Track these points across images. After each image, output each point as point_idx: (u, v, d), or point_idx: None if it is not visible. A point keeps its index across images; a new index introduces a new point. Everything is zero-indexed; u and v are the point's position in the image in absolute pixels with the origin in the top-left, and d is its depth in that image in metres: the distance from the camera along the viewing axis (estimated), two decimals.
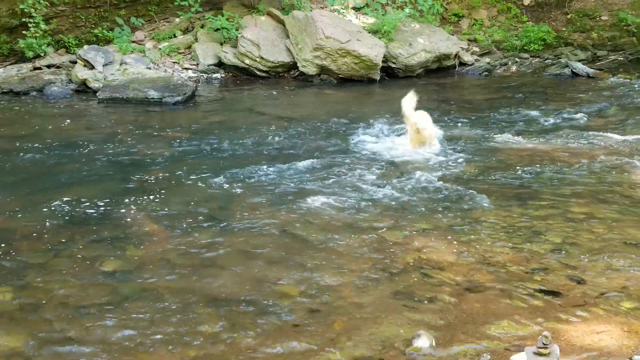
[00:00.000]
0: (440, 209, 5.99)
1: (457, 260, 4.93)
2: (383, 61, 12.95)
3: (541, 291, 4.41)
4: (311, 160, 7.53)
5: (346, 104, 11.15)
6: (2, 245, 5.14)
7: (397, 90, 10.83)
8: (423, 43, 13.57)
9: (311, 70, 12.81)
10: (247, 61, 13.00)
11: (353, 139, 8.49)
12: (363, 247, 5.20)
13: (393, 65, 13.34)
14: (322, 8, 15.11)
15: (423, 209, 6.01)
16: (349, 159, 7.60)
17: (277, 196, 6.37)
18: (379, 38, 13.34)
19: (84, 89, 11.60)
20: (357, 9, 15.40)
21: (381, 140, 8.44)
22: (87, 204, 6.08)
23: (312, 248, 5.21)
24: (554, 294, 4.38)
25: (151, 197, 6.31)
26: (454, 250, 5.11)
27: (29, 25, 12.70)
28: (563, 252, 5.03)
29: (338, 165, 7.37)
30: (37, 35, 12.75)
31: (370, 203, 6.16)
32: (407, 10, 14.55)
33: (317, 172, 7.09)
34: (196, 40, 13.91)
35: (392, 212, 5.93)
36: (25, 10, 12.67)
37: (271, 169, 7.17)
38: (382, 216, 5.83)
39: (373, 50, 12.73)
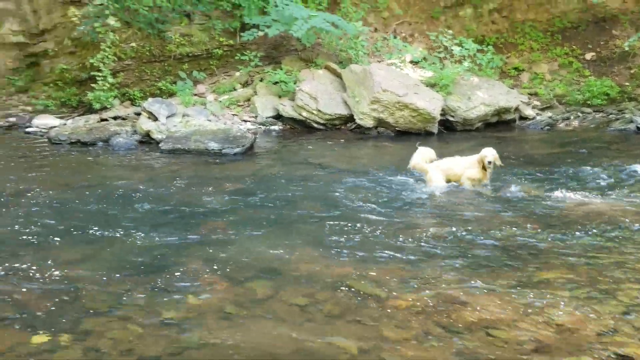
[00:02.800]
0: (502, 265, 5.82)
1: (522, 320, 4.74)
2: (441, 114, 12.92)
3: (616, 355, 4.18)
4: (369, 212, 7.48)
5: (403, 156, 11.05)
6: (67, 292, 5.23)
7: (454, 144, 10.77)
8: (482, 96, 13.51)
9: (368, 122, 12.87)
10: (305, 114, 13.17)
11: (411, 192, 8.42)
12: (424, 303, 5.07)
13: (451, 119, 13.29)
14: (380, 62, 15.28)
15: (485, 265, 5.85)
16: (407, 212, 7.53)
17: (336, 250, 6.31)
18: (437, 91, 13.35)
19: (147, 140, 11.93)
20: (414, 62, 15.51)
21: (440, 194, 8.34)
22: (149, 252, 6.17)
23: (371, 303, 5.11)
24: (625, 358, 4.15)
25: (210, 247, 6.35)
26: (518, 309, 4.92)
27: (97, 78, 13.26)
28: (634, 314, 4.79)
29: (396, 217, 7.30)
30: (105, 88, 13.29)
31: (430, 258, 6.04)
32: (465, 63, 14.57)
33: (375, 225, 7.02)
34: (255, 93, 14.22)
35: (453, 268, 5.79)
36: (95, 64, 13.25)
37: (329, 222, 7.14)
38: (442, 272, 5.70)
39: (431, 103, 12.73)
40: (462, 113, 13.21)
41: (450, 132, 13.25)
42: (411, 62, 15.53)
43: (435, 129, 12.95)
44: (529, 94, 15.13)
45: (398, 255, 6.16)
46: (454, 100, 13.32)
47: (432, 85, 13.75)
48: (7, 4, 13.98)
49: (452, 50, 15.23)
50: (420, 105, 12.56)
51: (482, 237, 6.58)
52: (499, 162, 8.39)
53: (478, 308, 4.96)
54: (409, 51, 15.57)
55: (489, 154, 8.29)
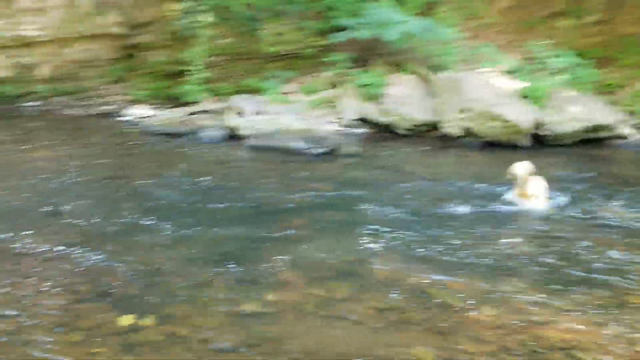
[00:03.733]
0: (588, 287, 5.57)
1: (607, 345, 4.53)
2: (532, 127, 12.51)
3: None
4: (452, 222, 7.34)
5: (489, 168, 10.83)
6: (152, 276, 5.39)
7: (544, 158, 10.41)
8: (576, 111, 12.99)
9: (455, 131, 12.64)
10: (390, 118, 13.08)
11: (495, 205, 8.19)
12: (503, 318, 4.91)
13: (542, 133, 12.84)
14: (471, 70, 14.97)
15: (569, 285, 5.61)
16: (491, 224, 7.33)
17: (416, 257, 6.23)
18: (529, 103, 12.94)
19: (233, 135, 12.14)
20: (507, 72, 15.11)
21: (524, 208, 8.07)
22: (230, 244, 6.28)
23: (450, 313, 5.01)
24: None
25: (290, 245, 6.40)
26: (604, 333, 4.70)
27: (189, 72, 13.61)
28: None
29: (479, 228, 7.13)
30: (196, 82, 13.63)
31: (513, 273, 5.86)
32: (561, 76, 14.07)
33: (457, 235, 6.88)
34: (342, 95, 14.22)
35: (535, 285, 5.59)
36: (188, 58, 13.61)
37: (410, 228, 7.05)
38: (525, 288, 5.51)
39: (521, 115, 12.36)
40: (554, 127, 12.73)
41: (539, 147, 12.78)
42: (504, 71, 15.14)
43: (525, 142, 12.54)
44: (628, 111, 14.42)
45: (480, 267, 6.03)
46: (546, 113, 12.86)
47: (524, 96, 13.32)
48: None
49: (548, 61, 14.74)
50: (510, 117, 12.22)
51: (568, 257, 6.32)
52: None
53: (560, 328, 4.77)
54: (502, 61, 15.18)
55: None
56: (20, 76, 13.58)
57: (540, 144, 12.85)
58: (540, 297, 5.32)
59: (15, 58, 13.40)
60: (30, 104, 13.93)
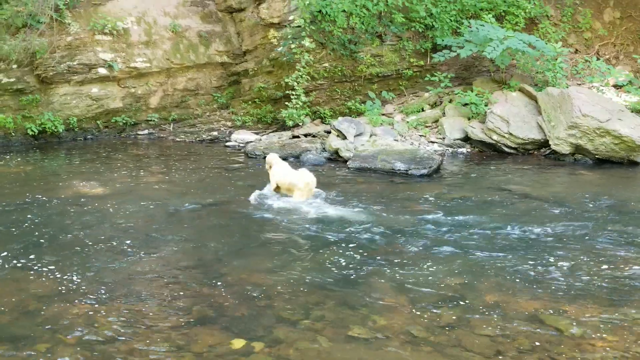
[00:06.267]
0: None
1: None
2: None
3: None
4: (563, 244, 7.06)
5: (604, 187, 10.30)
6: (261, 299, 5.46)
7: None
8: None
9: (564, 149, 12.13)
10: (495, 137, 12.74)
11: (610, 226, 7.76)
12: (623, 346, 4.68)
13: None
14: (580, 85, 14.39)
15: None
16: (607, 247, 6.97)
17: (525, 282, 6.00)
18: None
19: (335, 158, 12.22)
20: (619, 86, 14.41)
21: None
22: (336, 267, 6.28)
23: (564, 341, 4.79)
24: None
25: (396, 268, 6.32)
26: None
27: (291, 97, 13.87)
28: None
29: (594, 251, 6.80)
30: (298, 106, 13.87)
31: (633, 299, 5.51)
32: None
33: (570, 259, 6.60)
34: (444, 114, 14.03)
35: None
36: (289, 83, 13.88)
37: (519, 252, 6.81)
38: None
39: (636, 130, 11.71)
40: None
41: None
42: (615, 85, 14.45)
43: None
44: None
45: (596, 292, 5.76)
46: None
47: (638, 111, 12.64)
48: (215, 27, 15.16)
49: None
50: (624, 132, 11.60)
51: None
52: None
53: None
54: (612, 74, 14.51)
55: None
56: (132, 106, 14.32)
57: None
58: None
59: (128, 89, 14.17)
60: (143, 132, 14.66)
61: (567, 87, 13.25)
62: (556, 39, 15.19)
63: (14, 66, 12.83)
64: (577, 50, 15.99)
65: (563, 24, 15.89)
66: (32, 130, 13.14)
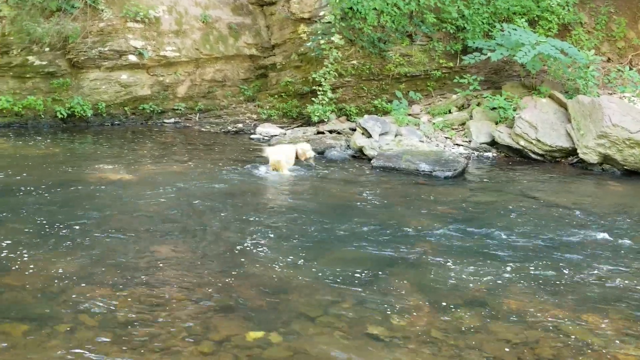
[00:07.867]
0: None
1: None
2: None
3: None
4: (589, 254, 6.94)
5: (631, 198, 10.16)
6: (281, 293, 5.46)
7: None
8: None
9: (592, 158, 11.97)
10: (522, 142, 12.61)
11: (636, 239, 7.65)
12: None
13: None
14: (611, 94, 14.18)
15: None
16: (634, 260, 6.84)
17: (550, 290, 5.92)
18: None
19: (359, 156, 12.18)
20: None
21: None
22: (356, 265, 6.24)
23: (587, 351, 4.73)
24: None
25: (415, 268, 6.29)
26: None
27: (318, 92, 13.85)
28: None
29: (621, 264, 6.69)
30: (324, 102, 13.84)
31: None
32: None
33: (595, 269, 6.50)
34: (471, 117, 13.92)
35: None
36: (317, 79, 13.85)
37: (543, 259, 6.72)
38: None
39: None
40: None
41: None
42: None
43: None
44: None
45: (621, 304, 5.66)
46: None
47: None
48: (245, 19, 15.17)
49: None
50: None
51: None
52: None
53: None
54: None
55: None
56: (160, 94, 14.39)
57: None
58: None
59: (156, 77, 14.25)
60: (169, 120, 14.74)
61: (599, 96, 13.07)
62: (589, 46, 15.00)
63: (47, 49, 12.96)
64: (609, 59, 15.77)
65: (597, 31, 15.68)
66: (61, 114, 13.29)
